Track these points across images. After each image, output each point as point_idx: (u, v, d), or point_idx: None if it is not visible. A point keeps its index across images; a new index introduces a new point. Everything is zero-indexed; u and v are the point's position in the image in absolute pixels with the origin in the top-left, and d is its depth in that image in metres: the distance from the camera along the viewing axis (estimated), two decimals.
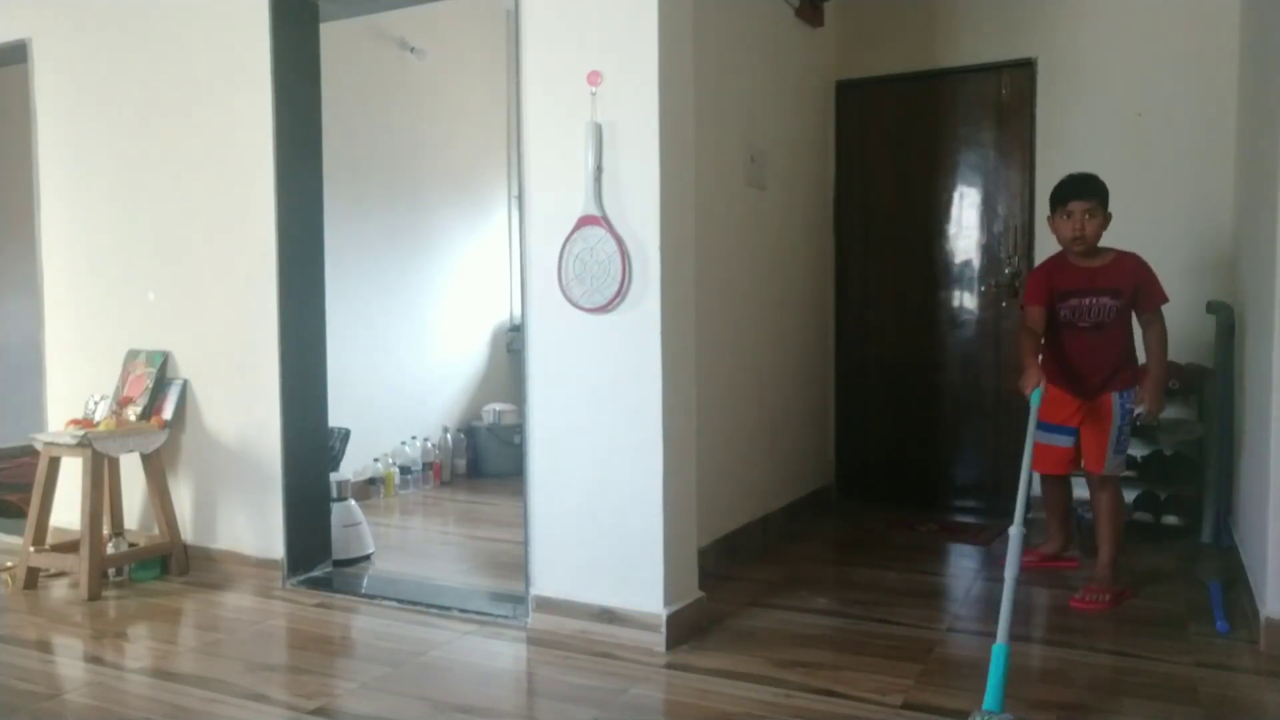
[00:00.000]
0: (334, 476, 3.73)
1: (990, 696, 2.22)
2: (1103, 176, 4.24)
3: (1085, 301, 3.16)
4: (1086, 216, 3.10)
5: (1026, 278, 3.26)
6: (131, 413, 3.63)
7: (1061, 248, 3.26)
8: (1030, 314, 3.24)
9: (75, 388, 3.92)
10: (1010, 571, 2.41)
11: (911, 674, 2.56)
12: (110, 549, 3.52)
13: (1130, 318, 3.21)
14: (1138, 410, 3.22)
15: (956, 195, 4.62)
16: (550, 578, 2.93)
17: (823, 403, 4.76)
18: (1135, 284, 3.14)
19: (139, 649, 2.89)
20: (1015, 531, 2.47)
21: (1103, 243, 3.23)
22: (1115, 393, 3.21)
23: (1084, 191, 3.13)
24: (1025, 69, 4.43)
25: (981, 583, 3.43)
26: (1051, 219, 3.24)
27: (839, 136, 4.84)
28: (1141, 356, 3.28)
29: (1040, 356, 3.19)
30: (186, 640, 2.96)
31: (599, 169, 2.76)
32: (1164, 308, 3.12)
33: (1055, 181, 4.33)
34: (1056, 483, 3.51)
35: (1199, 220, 4.13)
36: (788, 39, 4.26)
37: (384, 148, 5.16)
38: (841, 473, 4.85)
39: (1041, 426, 3.12)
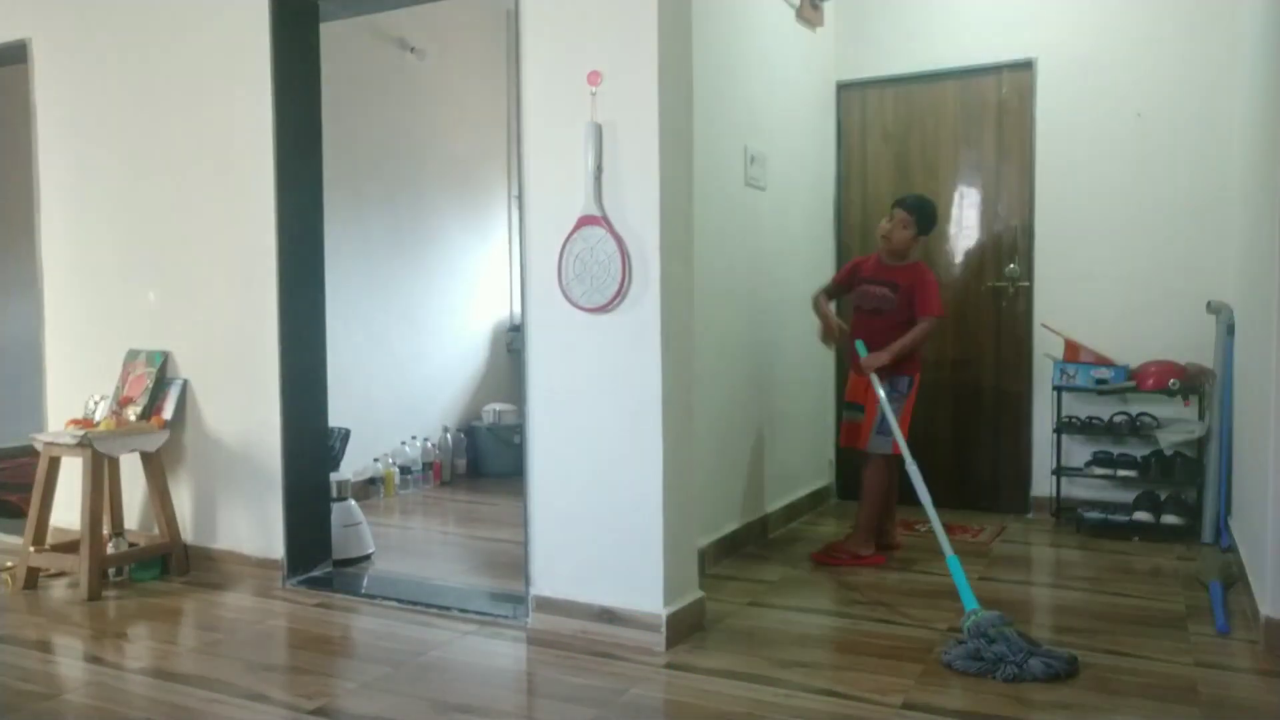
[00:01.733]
0: (334, 476, 3.73)
1: (967, 599, 2.76)
2: (1103, 176, 4.31)
3: (870, 288, 3.68)
4: (899, 225, 3.62)
5: None
6: (131, 413, 3.63)
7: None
8: (831, 282, 3.95)
9: (75, 388, 3.91)
10: (925, 498, 3.15)
11: (911, 674, 2.56)
12: (110, 549, 3.52)
13: (908, 321, 3.57)
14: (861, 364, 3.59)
15: (956, 195, 4.62)
16: (550, 578, 2.93)
17: (822, 403, 4.76)
18: (909, 284, 3.58)
19: (139, 649, 2.89)
20: (912, 467, 3.26)
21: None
22: (885, 380, 3.53)
23: (904, 204, 3.67)
24: (1025, 69, 4.43)
25: (982, 583, 3.43)
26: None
27: (839, 136, 4.84)
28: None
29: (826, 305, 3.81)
30: (186, 640, 2.96)
31: (599, 169, 2.76)
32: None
33: (1055, 181, 4.40)
34: (869, 465, 3.70)
35: (1199, 220, 4.13)
36: (788, 39, 4.27)
37: (384, 148, 5.16)
38: (841, 473, 4.85)
39: (844, 403, 3.89)
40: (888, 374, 3.53)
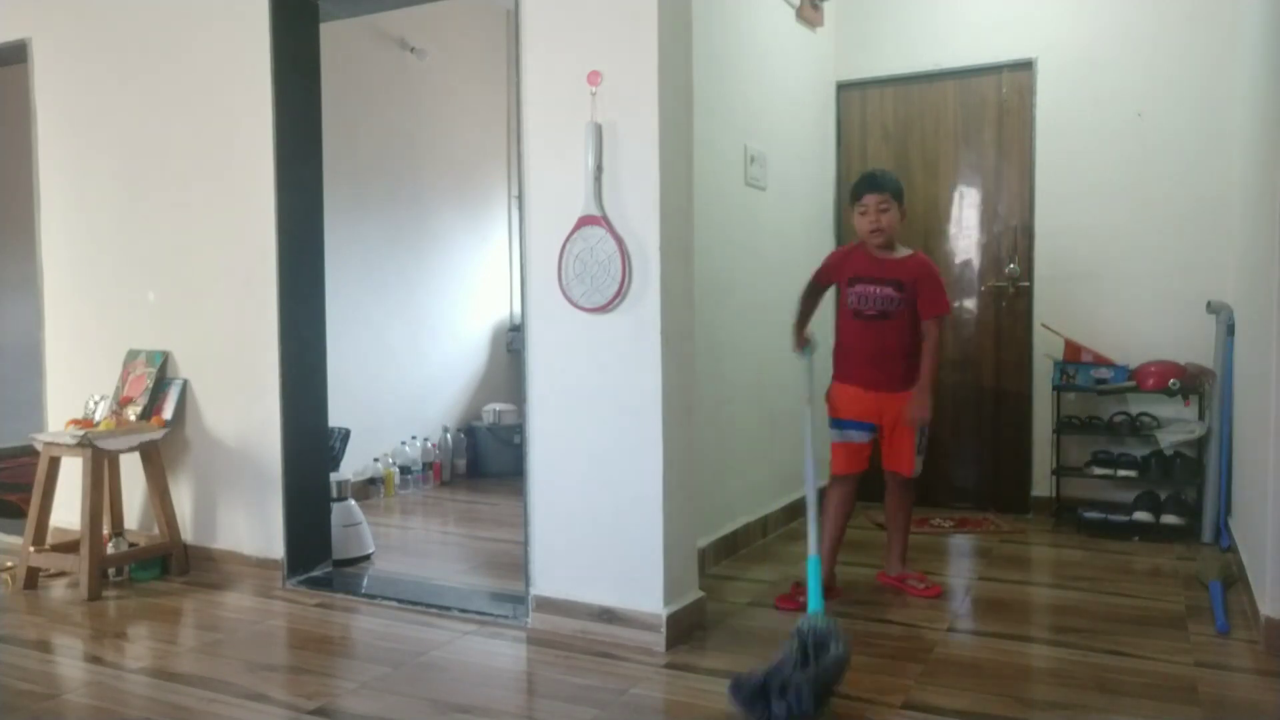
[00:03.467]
0: (334, 476, 3.73)
1: (813, 600, 2.62)
2: (1103, 176, 4.30)
3: (871, 289, 3.16)
4: (881, 210, 3.13)
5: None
6: (131, 412, 3.63)
7: (860, 239, 3.25)
8: (811, 282, 3.35)
9: (75, 388, 3.91)
10: (811, 496, 2.88)
11: (911, 674, 2.56)
12: (110, 549, 3.52)
13: (915, 320, 3.16)
14: (909, 418, 3.17)
15: (956, 195, 4.62)
16: (550, 578, 2.93)
17: (822, 402, 4.74)
18: (917, 280, 3.13)
19: (139, 649, 2.89)
20: (809, 463, 2.98)
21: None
22: (911, 391, 3.17)
23: (877, 186, 3.15)
24: (1025, 69, 4.43)
25: (982, 583, 3.43)
26: (852, 214, 3.25)
27: (839, 136, 4.84)
28: None
29: (808, 327, 3.29)
30: (186, 640, 2.96)
31: (599, 169, 2.76)
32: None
33: (1055, 181, 4.39)
34: (848, 486, 3.30)
35: (1199, 220, 4.13)
36: (788, 39, 4.27)
37: (384, 148, 5.16)
38: None
39: (838, 424, 3.27)
40: (908, 386, 3.18)
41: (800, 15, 4.33)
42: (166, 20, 3.68)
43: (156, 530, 3.64)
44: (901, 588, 3.29)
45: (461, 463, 5.58)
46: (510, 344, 6.04)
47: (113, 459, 3.55)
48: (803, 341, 3.23)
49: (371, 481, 5.00)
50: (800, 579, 3.15)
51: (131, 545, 3.60)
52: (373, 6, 4.11)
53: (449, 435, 5.53)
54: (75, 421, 3.67)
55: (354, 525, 3.75)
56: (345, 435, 3.89)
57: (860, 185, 3.20)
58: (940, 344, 3.22)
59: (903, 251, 3.21)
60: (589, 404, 2.85)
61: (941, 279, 3.23)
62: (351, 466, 4.63)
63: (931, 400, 3.16)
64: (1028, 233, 4.46)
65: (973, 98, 4.56)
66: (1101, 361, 4.19)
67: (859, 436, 3.25)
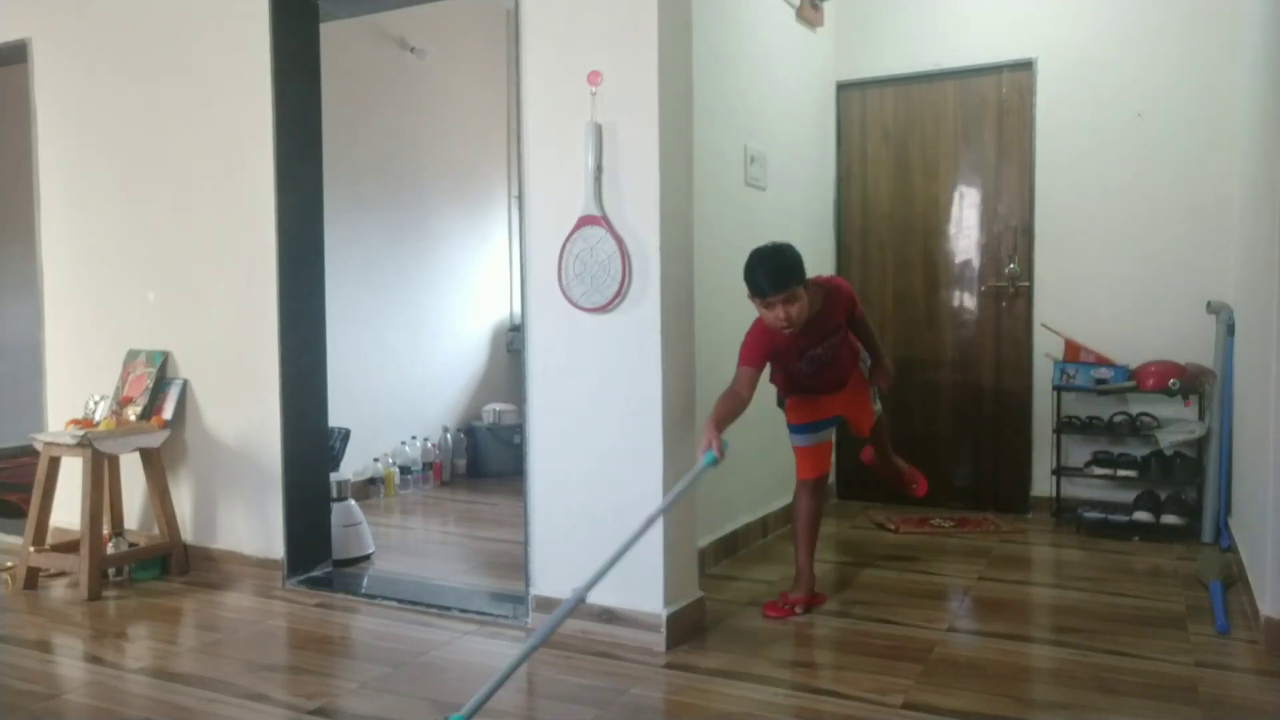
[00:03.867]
0: (334, 476, 3.73)
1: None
2: (1103, 176, 4.30)
3: (818, 350, 3.02)
4: (787, 303, 2.80)
5: (745, 337, 2.98)
6: (131, 412, 3.63)
7: None
8: (741, 375, 2.87)
9: (75, 388, 3.91)
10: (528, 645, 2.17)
11: (911, 674, 2.56)
12: (110, 549, 3.52)
13: (844, 337, 3.09)
14: (884, 388, 3.29)
15: (956, 195, 4.62)
16: (550, 578, 2.93)
17: None
18: (833, 317, 2.99)
19: (139, 649, 2.89)
20: (575, 593, 2.25)
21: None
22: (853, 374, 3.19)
23: (777, 285, 2.79)
24: (1025, 69, 4.43)
25: (982, 583, 3.43)
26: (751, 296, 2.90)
27: (839, 136, 4.84)
28: None
29: (734, 417, 2.80)
30: (186, 640, 2.96)
31: (599, 169, 2.76)
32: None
33: (1055, 181, 4.39)
34: (816, 493, 3.21)
35: (1199, 220, 4.13)
36: (788, 39, 4.27)
37: (384, 147, 5.16)
38: (841, 472, 4.85)
39: (808, 428, 3.18)
40: (857, 365, 3.21)
41: (800, 15, 4.33)
42: (167, 20, 3.68)
43: (156, 530, 3.64)
44: (881, 470, 3.59)
45: (461, 463, 5.58)
46: (510, 344, 6.04)
47: (113, 459, 3.55)
48: (707, 445, 2.60)
49: (371, 481, 5.00)
50: (788, 589, 3.16)
51: (131, 545, 3.60)
52: (373, 6, 4.11)
53: (449, 435, 5.53)
54: (75, 421, 3.67)
55: (354, 525, 3.75)
56: (345, 435, 3.89)
57: (758, 284, 2.82)
58: (870, 326, 3.21)
59: (816, 303, 2.92)
60: (589, 404, 2.85)
61: (848, 286, 3.12)
62: (351, 466, 4.63)
63: (892, 365, 3.30)
64: (1028, 233, 4.46)
65: (973, 98, 4.56)
66: (1101, 361, 4.19)
67: (826, 434, 3.23)
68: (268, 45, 3.42)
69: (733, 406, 2.79)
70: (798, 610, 3.06)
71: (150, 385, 3.65)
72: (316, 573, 3.54)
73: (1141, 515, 3.97)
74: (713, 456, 2.56)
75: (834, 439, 3.33)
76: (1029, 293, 4.45)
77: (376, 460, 5.06)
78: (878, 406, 3.35)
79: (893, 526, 4.19)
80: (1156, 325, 4.20)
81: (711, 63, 3.48)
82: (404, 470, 5.18)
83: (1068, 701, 2.38)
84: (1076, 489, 4.35)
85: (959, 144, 4.60)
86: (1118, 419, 4.18)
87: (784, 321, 2.82)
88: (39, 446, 3.53)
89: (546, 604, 2.92)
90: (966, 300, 4.61)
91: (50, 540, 3.58)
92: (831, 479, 4.81)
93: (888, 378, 3.25)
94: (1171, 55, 4.17)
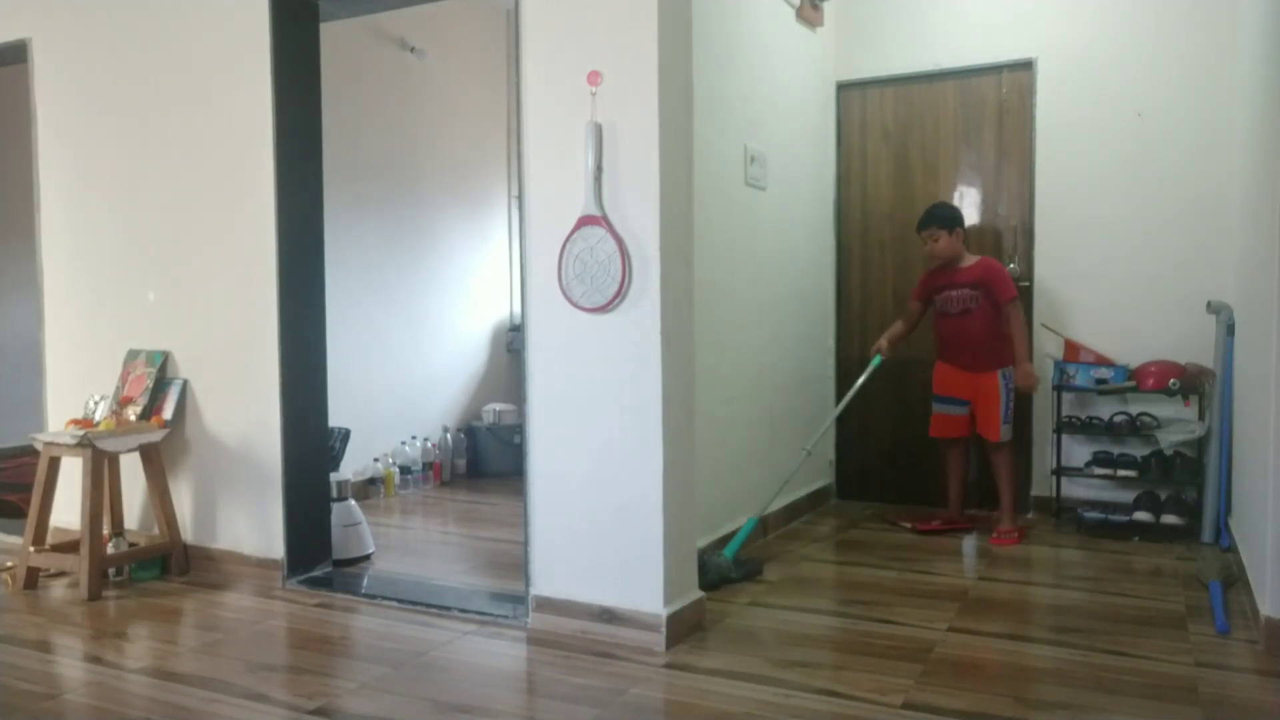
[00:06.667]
0: (334, 476, 3.73)
1: (730, 548, 3.46)
2: (1103, 176, 4.31)
3: (951, 294, 4.04)
4: (932, 239, 4.02)
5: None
6: (131, 412, 3.63)
7: None
8: (909, 307, 4.27)
9: (75, 388, 3.92)
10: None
11: (911, 674, 2.56)
12: (110, 549, 3.52)
13: (994, 310, 3.95)
14: (1023, 388, 3.99)
15: (956, 195, 4.62)
16: (550, 578, 2.93)
17: (822, 403, 4.76)
18: (984, 279, 3.95)
19: (139, 649, 2.89)
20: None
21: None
22: (998, 371, 3.97)
23: (922, 223, 4.07)
24: (1025, 69, 4.43)
25: (982, 583, 3.43)
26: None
27: (839, 136, 4.84)
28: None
29: (902, 336, 4.23)
30: (186, 640, 2.96)
31: (599, 169, 2.76)
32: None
33: (1055, 181, 4.41)
34: (954, 449, 4.19)
35: (1199, 220, 4.13)
36: (788, 39, 4.27)
37: (384, 148, 5.16)
38: (840, 472, 4.86)
39: (937, 399, 4.18)
40: (1000, 365, 3.96)
41: (800, 15, 4.33)
42: (167, 20, 3.68)
43: (156, 530, 3.64)
44: (992, 541, 3.97)
45: (461, 463, 5.58)
46: (510, 344, 6.04)
47: (113, 459, 3.55)
48: (879, 349, 4.17)
49: (371, 481, 5.00)
50: (944, 515, 4.22)
51: (131, 545, 3.60)
52: (373, 6, 4.11)
53: (449, 435, 5.53)
54: (75, 421, 3.67)
55: (354, 525, 3.75)
56: (345, 435, 3.89)
57: (919, 221, 4.09)
58: (1022, 324, 3.98)
59: (969, 260, 4.04)
60: (589, 404, 2.85)
61: (1006, 272, 4.00)
62: (351, 466, 4.63)
63: (1032, 367, 3.98)
64: (1028, 233, 4.46)
65: (973, 98, 4.57)
66: (1101, 361, 4.19)
67: (952, 410, 4.11)
68: (268, 45, 3.42)
69: (898, 329, 4.25)
70: (936, 523, 4.14)
71: (150, 385, 3.65)
72: (316, 573, 3.54)
73: (1141, 515, 3.97)
74: (880, 359, 4.15)
75: (963, 420, 4.09)
76: (1029, 293, 4.45)
77: (376, 460, 5.06)
78: (1007, 433, 3.99)
79: (908, 525, 4.20)
80: (1156, 325, 4.21)
81: (711, 63, 3.49)
82: (404, 470, 5.18)
83: (1068, 701, 2.38)
84: (1076, 489, 4.36)
85: (959, 144, 4.60)
86: (1118, 419, 4.19)
87: (929, 253, 4.07)
88: (39, 446, 3.53)
89: (546, 604, 2.92)
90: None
91: (50, 540, 3.58)
92: (831, 479, 4.83)
93: (1026, 376, 3.93)
94: (1171, 55, 4.17)
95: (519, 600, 3.04)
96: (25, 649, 2.88)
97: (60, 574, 3.58)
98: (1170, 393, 4.03)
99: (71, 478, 3.51)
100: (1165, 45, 4.18)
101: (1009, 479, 4.05)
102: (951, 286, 4.02)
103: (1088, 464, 4.24)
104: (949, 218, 4.02)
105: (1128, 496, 4.13)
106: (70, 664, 2.81)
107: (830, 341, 4.84)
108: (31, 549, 3.47)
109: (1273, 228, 2.71)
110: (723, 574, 3.34)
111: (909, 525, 4.20)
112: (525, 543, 2.98)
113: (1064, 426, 4.28)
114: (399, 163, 5.27)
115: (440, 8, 4.71)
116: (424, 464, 5.29)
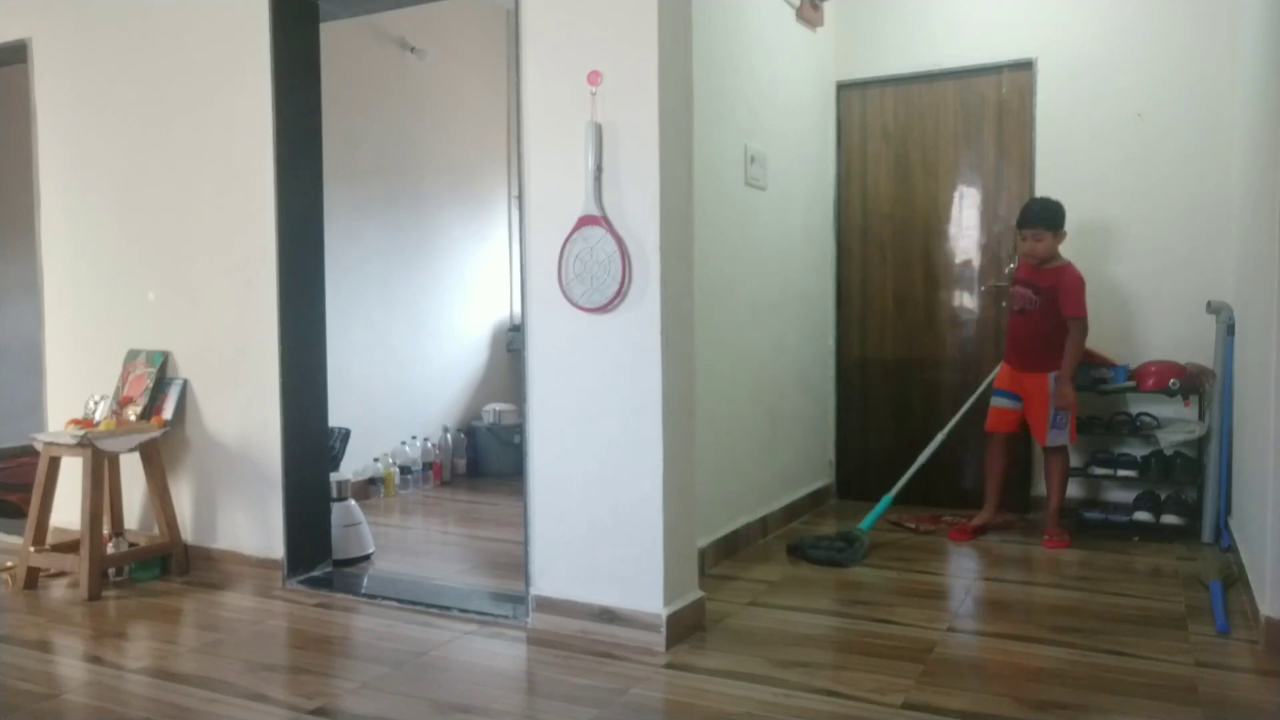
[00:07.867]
0: (334, 476, 3.73)
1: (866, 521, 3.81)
2: (1102, 176, 4.30)
3: (1017, 290, 3.99)
4: (1034, 239, 3.85)
5: None
6: (131, 412, 3.63)
7: None
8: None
9: (75, 388, 3.92)
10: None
11: (911, 674, 2.56)
12: (110, 549, 3.52)
13: (1053, 316, 3.84)
14: (1054, 404, 3.88)
15: (956, 195, 4.62)
16: (550, 578, 2.93)
17: (822, 403, 4.76)
18: (1053, 287, 3.83)
19: (139, 649, 2.89)
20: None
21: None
22: (1049, 375, 3.88)
23: (1024, 222, 3.90)
24: (1025, 69, 4.43)
25: (982, 583, 3.43)
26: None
27: (839, 136, 4.84)
28: None
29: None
30: (186, 640, 2.96)
31: (599, 169, 2.76)
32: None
33: (1055, 181, 4.40)
34: (993, 444, 4.10)
35: (1199, 220, 4.13)
36: (788, 39, 4.27)
37: (384, 148, 5.16)
38: (841, 473, 4.86)
39: (994, 391, 4.11)
40: (1051, 369, 3.87)
41: (800, 15, 4.33)
42: (167, 20, 3.68)
43: (156, 530, 3.64)
44: (1043, 544, 3.89)
45: (461, 463, 5.58)
46: (510, 344, 6.04)
47: (113, 459, 3.55)
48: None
49: (371, 481, 5.00)
50: (979, 524, 4.09)
51: (131, 545, 3.60)
52: (373, 6, 4.11)
53: (449, 435, 5.53)
54: (75, 421, 3.67)
55: (354, 525, 3.75)
56: (345, 435, 3.89)
57: (1020, 217, 3.95)
58: (1081, 344, 3.85)
59: (1054, 264, 3.88)
60: (589, 404, 2.85)
61: (1079, 285, 3.81)
62: (351, 466, 4.63)
63: (1071, 389, 3.86)
64: None
65: (973, 98, 4.57)
66: (1101, 361, 4.19)
67: (1005, 403, 4.04)
68: (268, 45, 3.42)
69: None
70: (971, 532, 4.01)
71: (150, 385, 3.65)
72: (316, 573, 3.54)
73: (1141, 515, 3.97)
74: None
75: (1014, 414, 4.02)
76: None
77: (376, 460, 5.06)
78: (1061, 436, 3.91)
79: (912, 525, 4.19)
80: (1156, 325, 4.21)
81: (711, 63, 3.49)
82: (404, 470, 5.18)
83: (1068, 701, 2.38)
84: (1076, 489, 4.35)
85: (959, 144, 4.60)
86: (1118, 419, 4.18)
87: (1027, 251, 3.91)
88: (39, 446, 3.53)
89: (546, 604, 2.92)
90: (966, 300, 4.61)
91: (50, 540, 3.58)
92: (831, 479, 4.83)
93: (1061, 397, 3.84)
94: (1171, 55, 4.17)
95: (519, 600, 3.04)
96: (25, 649, 2.88)
97: (60, 574, 3.58)
98: (1170, 393, 4.03)
99: (71, 478, 3.51)
100: (1165, 45, 4.18)
101: (1056, 484, 3.96)
102: (1022, 283, 3.96)
103: (1088, 464, 4.24)
104: (1053, 219, 3.84)
105: (1128, 496, 4.13)
106: (70, 664, 2.81)
107: (830, 341, 4.84)
108: (31, 549, 3.47)
109: (1273, 228, 2.71)
110: (865, 550, 3.66)
111: (912, 525, 4.20)
112: (525, 543, 2.98)
113: None
114: (399, 163, 5.27)
115: (440, 8, 4.71)
116: (424, 464, 5.29)
